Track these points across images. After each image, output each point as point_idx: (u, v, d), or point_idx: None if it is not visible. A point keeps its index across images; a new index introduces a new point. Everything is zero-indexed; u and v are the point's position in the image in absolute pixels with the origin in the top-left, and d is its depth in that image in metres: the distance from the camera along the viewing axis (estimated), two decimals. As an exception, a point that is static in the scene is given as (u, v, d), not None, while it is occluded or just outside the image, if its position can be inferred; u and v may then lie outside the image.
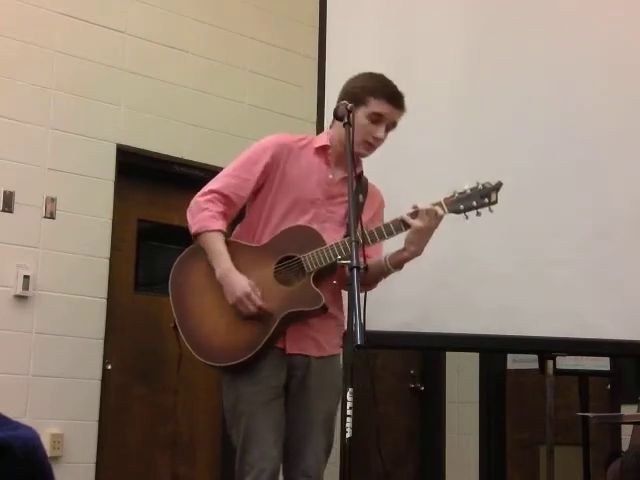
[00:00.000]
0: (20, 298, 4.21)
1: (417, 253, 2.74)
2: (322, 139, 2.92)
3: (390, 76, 2.88)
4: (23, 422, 1.52)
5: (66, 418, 4.27)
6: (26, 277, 4.20)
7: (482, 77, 3.76)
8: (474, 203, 2.72)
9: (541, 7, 3.82)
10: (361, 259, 2.40)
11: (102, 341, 4.45)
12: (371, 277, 2.79)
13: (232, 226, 2.95)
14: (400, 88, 2.86)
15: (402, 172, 3.61)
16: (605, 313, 3.63)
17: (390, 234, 2.74)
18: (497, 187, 2.74)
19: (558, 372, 3.79)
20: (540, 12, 3.80)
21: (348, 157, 2.58)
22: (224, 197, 2.82)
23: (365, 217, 2.78)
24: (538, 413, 4.24)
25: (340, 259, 2.67)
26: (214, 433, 4.93)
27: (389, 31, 3.83)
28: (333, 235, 2.78)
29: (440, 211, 2.71)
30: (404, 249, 2.74)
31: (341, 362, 2.75)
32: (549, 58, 3.76)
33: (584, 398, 4.69)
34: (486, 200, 2.73)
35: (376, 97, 2.81)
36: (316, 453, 2.77)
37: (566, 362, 4.32)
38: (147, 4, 4.82)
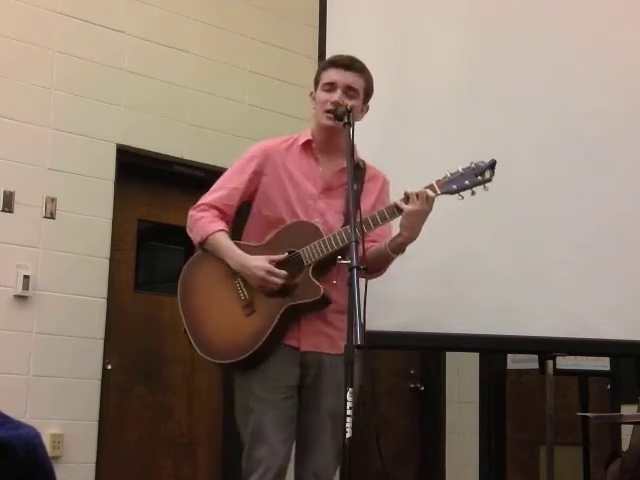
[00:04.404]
0: (20, 298, 4.20)
1: (411, 237, 2.72)
2: (306, 134, 2.95)
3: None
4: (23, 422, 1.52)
5: (66, 418, 4.27)
6: (26, 277, 4.20)
7: (482, 77, 3.77)
8: (467, 182, 2.68)
9: (541, 7, 3.82)
10: (361, 251, 2.40)
11: (102, 341, 4.45)
12: (376, 263, 2.80)
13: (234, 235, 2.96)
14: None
15: (402, 172, 3.58)
16: (605, 313, 3.63)
17: (384, 220, 2.73)
18: (491, 165, 2.69)
19: (558, 372, 3.80)
20: (540, 12, 3.81)
21: (348, 157, 2.59)
22: (214, 208, 2.90)
23: (366, 202, 2.80)
24: (538, 413, 4.24)
25: (338, 252, 2.65)
26: (214, 433, 4.93)
27: (389, 31, 3.83)
28: (335, 226, 2.79)
29: (430, 193, 2.68)
30: (399, 234, 2.74)
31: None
32: (549, 58, 3.76)
33: (584, 398, 4.69)
34: (480, 178, 2.67)
35: (324, 69, 2.91)
36: (326, 455, 2.77)
37: (566, 362, 4.33)
38: (147, 4, 4.82)
